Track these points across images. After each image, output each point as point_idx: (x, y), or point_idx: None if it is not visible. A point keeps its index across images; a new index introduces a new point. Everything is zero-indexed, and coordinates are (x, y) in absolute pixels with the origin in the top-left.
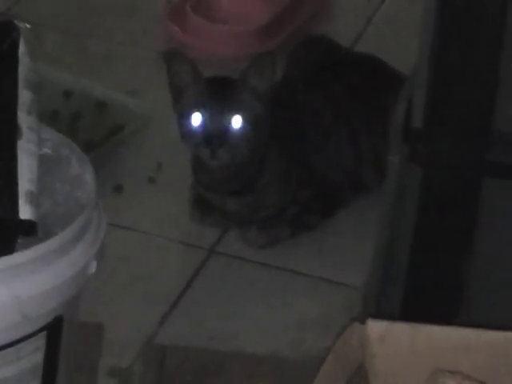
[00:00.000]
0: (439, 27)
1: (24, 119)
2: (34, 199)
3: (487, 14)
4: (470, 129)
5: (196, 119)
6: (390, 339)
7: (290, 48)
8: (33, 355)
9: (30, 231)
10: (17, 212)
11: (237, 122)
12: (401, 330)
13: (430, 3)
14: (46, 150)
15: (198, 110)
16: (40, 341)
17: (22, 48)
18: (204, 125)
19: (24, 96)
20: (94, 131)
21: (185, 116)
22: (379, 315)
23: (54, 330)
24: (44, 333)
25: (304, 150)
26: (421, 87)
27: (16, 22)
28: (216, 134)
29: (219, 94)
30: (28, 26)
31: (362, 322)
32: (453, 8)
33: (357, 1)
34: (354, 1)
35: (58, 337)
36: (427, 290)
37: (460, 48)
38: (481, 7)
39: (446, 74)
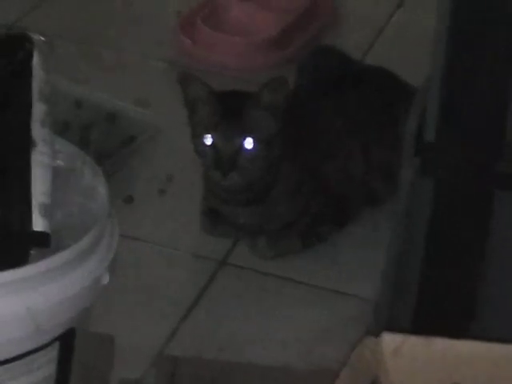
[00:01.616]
0: (452, 39)
1: (38, 131)
2: (48, 211)
3: (500, 27)
4: (482, 141)
5: (208, 140)
6: (405, 353)
7: (300, 59)
8: (45, 366)
9: (43, 243)
10: (30, 224)
11: (249, 143)
12: (415, 344)
13: (442, 15)
14: (59, 162)
15: (209, 131)
16: (52, 352)
17: (36, 60)
18: (215, 146)
19: (38, 108)
20: (105, 142)
21: (197, 134)
22: (391, 327)
23: (66, 341)
24: (57, 344)
25: (315, 161)
26: (433, 100)
27: (30, 33)
28: (227, 157)
29: (231, 115)
30: (42, 38)
31: (375, 334)
32: (466, 20)
33: (367, 12)
34: (364, 12)
35: (71, 348)
36: (439, 303)
37: (473, 61)
38: (494, 20)
39: (459, 86)
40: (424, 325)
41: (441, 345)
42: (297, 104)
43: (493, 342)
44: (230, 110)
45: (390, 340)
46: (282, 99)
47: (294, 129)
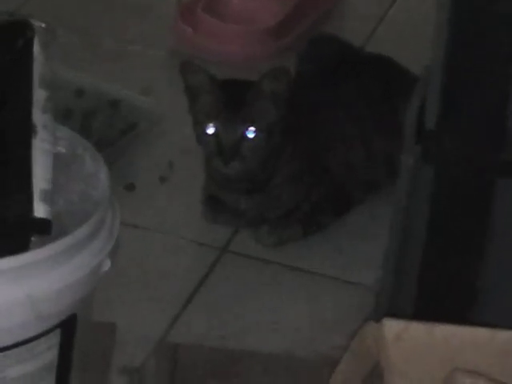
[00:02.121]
0: (453, 27)
1: (39, 118)
2: (49, 198)
3: (502, 13)
4: (483, 129)
5: (210, 128)
6: (406, 338)
7: (300, 47)
8: (47, 353)
9: (44, 230)
10: (31, 210)
11: (250, 132)
12: (416, 330)
13: (444, 3)
14: (60, 149)
15: (211, 120)
16: (54, 339)
17: (36, 47)
18: (217, 135)
19: (39, 94)
20: (106, 130)
21: (199, 122)
22: (392, 314)
23: (67, 328)
24: (58, 331)
25: (316, 150)
26: (434, 87)
27: (31, 20)
28: (229, 146)
29: (233, 104)
30: (43, 25)
31: (377, 321)
32: (467, 8)
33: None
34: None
35: (72, 335)
36: (440, 289)
37: (474, 48)
38: (495, 8)
39: (460, 74)
40: (425, 312)
41: (442, 331)
42: (297, 92)
43: (495, 328)
44: (231, 98)
45: (391, 326)
46: (283, 88)
47: (294, 117)
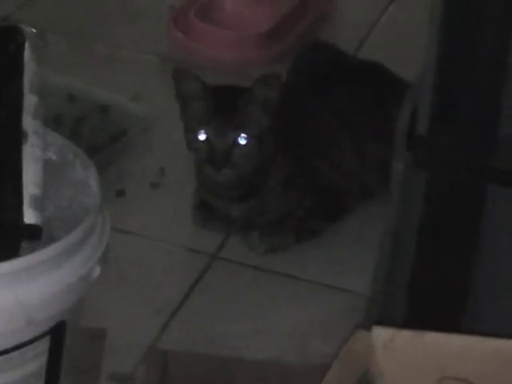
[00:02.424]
0: (444, 34)
1: (29, 124)
2: (39, 204)
3: (493, 21)
4: (474, 136)
5: (201, 135)
6: (396, 346)
7: (293, 54)
8: (36, 359)
9: (34, 236)
10: (21, 216)
11: (242, 139)
12: (406, 337)
13: (435, 9)
14: (51, 155)
15: (202, 127)
16: (43, 345)
17: (27, 52)
18: (208, 142)
19: (29, 100)
20: (97, 135)
21: (190, 129)
22: (383, 321)
23: (57, 334)
24: (47, 337)
25: (308, 155)
26: (426, 94)
27: (22, 26)
28: (221, 152)
29: (225, 111)
30: (34, 30)
31: (367, 328)
32: (458, 15)
33: (360, 6)
34: (357, 6)
35: (61, 341)
36: (431, 297)
37: (466, 55)
38: (487, 14)
39: (452, 81)
40: (416, 319)
41: (432, 338)
42: (290, 99)
43: (485, 336)
44: (223, 105)
45: (381, 333)
46: (275, 94)
47: (286, 124)
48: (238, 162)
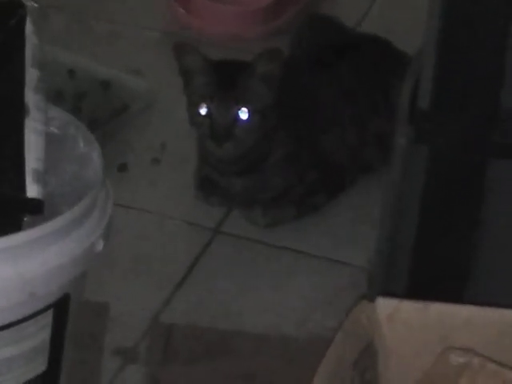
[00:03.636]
0: (446, 6)
1: (31, 98)
2: (41, 178)
3: None
4: (476, 109)
5: (203, 110)
6: (400, 317)
7: (294, 28)
8: (39, 333)
9: (36, 210)
10: (24, 190)
11: (244, 114)
12: (410, 308)
13: None
14: (53, 129)
15: (205, 101)
16: (47, 319)
17: (28, 26)
18: (211, 117)
19: (31, 74)
20: (98, 111)
21: (193, 104)
22: (385, 294)
23: (60, 308)
24: (51, 311)
25: (310, 130)
26: (427, 68)
27: (23, 0)
28: (223, 128)
29: (227, 86)
30: (35, 4)
31: (371, 300)
32: None
33: None
34: None
35: (65, 315)
36: (433, 270)
37: (467, 28)
38: None
39: (453, 54)
40: (418, 292)
41: (436, 309)
42: (291, 74)
43: (488, 306)
44: (225, 80)
45: (384, 305)
46: (277, 69)
47: (288, 99)
48: (240, 137)
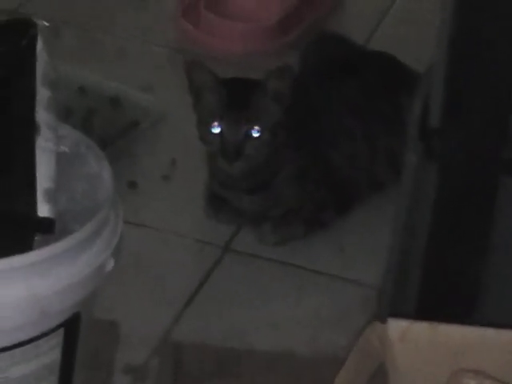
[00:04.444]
0: (456, 23)
1: (42, 117)
2: (52, 197)
3: (507, 11)
4: (487, 127)
5: (214, 128)
6: (411, 338)
7: (303, 45)
8: (50, 352)
9: (47, 229)
10: (35, 210)
11: (255, 132)
12: (421, 329)
13: None
14: (63, 148)
15: (215, 120)
16: (58, 338)
17: (39, 45)
18: (222, 135)
19: (42, 93)
20: (108, 128)
21: (203, 122)
22: (395, 313)
23: (71, 326)
24: (61, 330)
25: (320, 147)
26: (438, 84)
27: (34, 19)
28: (234, 146)
29: (238, 104)
30: (46, 23)
31: (382, 320)
32: (471, 4)
33: None
34: None
35: (76, 333)
36: (444, 287)
37: (478, 45)
38: (500, 4)
39: (463, 70)
40: (429, 311)
41: (446, 330)
42: (300, 91)
43: (499, 327)
44: (236, 97)
45: (396, 326)
46: (287, 87)
47: (297, 115)
48: (250, 155)
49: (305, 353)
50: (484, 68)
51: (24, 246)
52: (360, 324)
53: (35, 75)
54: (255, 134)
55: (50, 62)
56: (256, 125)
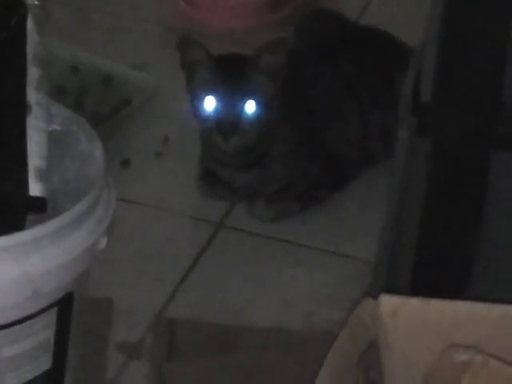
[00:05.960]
0: None
1: (33, 96)
2: (44, 176)
3: None
4: (479, 101)
5: (209, 104)
6: (403, 314)
7: (297, 21)
8: (44, 331)
9: (39, 208)
10: (27, 189)
11: (250, 107)
12: (413, 305)
13: None
14: (55, 127)
15: (210, 95)
16: (51, 317)
17: (30, 24)
18: (216, 111)
19: (32, 72)
20: (101, 106)
21: (197, 98)
22: (388, 288)
23: (64, 305)
24: (55, 309)
25: (313, 123)
26: (429, 59)
27: None
28: (229, 121)
29: (232, 79)
30: (36, 1)
31: (374, 296)
32: None
33: None
34: None
35: (69, 312)
36: (436, 264)
37: (470, 18)
38: None
39: (455, 45)
40: (421, 285)
41: (439, 306)
42: (294, 67)
43: (491, 302)
44: (230, 74)
45: (388, 302)
46: (281, 61)
47: (291, 92)
48: (245, 130)
49: (299, 328)
50: (475, 43)
51: (16, 226)
52: (355, 300)
53: (25, 54)
54: (250, 110)
55: (41, 40)
56: (251, 99)
